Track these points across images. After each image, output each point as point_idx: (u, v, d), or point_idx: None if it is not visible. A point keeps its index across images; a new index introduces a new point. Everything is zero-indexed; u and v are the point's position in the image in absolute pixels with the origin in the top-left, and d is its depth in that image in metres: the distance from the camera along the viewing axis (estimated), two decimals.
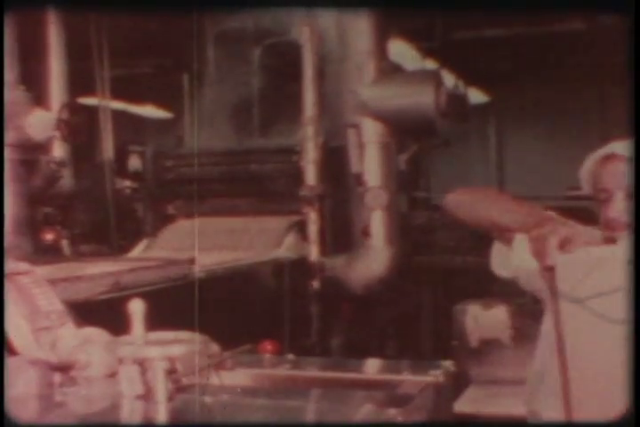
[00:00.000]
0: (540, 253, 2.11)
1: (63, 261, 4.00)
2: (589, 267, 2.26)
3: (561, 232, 2.10)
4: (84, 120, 5.22)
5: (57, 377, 1.92)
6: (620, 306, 2.19)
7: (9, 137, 3.96)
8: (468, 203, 2.42)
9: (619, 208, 2.26)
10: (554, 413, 2.29)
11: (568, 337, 2.17)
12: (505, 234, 2.31)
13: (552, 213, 2.28)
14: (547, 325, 2.37)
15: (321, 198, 5.22)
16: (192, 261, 3.87)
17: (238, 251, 5.00)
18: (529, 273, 2.29)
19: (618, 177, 2.26)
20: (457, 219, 2.44)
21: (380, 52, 5.52)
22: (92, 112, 6.27)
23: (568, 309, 2.23)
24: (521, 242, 2.24)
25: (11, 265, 2.13)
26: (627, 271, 2.16)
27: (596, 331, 2.26)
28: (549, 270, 2.13)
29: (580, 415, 2.18)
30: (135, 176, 6.51)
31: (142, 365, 1.84)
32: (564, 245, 2.10)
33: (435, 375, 2.01)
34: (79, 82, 5.91)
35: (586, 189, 2.38)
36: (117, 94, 7.03)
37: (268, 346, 3.43)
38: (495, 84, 11.55)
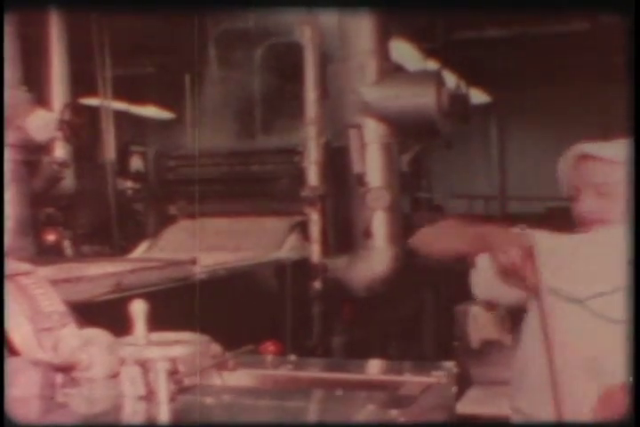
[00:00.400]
0: (503, 261, 2.24)
1: (65, 262, 3.99)
2: (566, 255, 2.32)
3: (519, 244, 2.23)
4: (86, 121, 5.23)
5: (59, 378, 1.92)
6: (596, 291, 2.25)
7: (11, 137, 3.96)
8: (431, 238, 2.54)
9: (588, 205, 2.32)
10: (539, 411, 2.31)
11: (557, 333, 2.22)
12: (474, 259, 2.44)
13: (510, 229, 2.35)
14: (530, 322, 2.40)
15: (323, 199, 5.22)
16: (194, 261, 3.87)
17: (240, 252, 4.99)
18: (501, 287, 2.38)
19: (588, 176, 2.34)
20: (428, 255, 2.54)
21: (382, 52, 5.51)
22: (93, 112, 6.28)
23: (556, 305, 2.26)
24: (483, 263, 2.38)
25: (12, 266, 2.13)
26: (627, 271, 2.17)
27: (576, 322, 2.27)
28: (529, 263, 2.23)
29: (568, 413, 2.20)
30: (137, 177, 6.50)
31: (144, 365, 1.84)
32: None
33: (437, 376, 2.01)
34: (81, 82, 5.91)
35: (563, 189, 2.44)
36: (119, 95, 7.04)
37: (269, 347, 3.43)
38: (497, 84, 11.55)
